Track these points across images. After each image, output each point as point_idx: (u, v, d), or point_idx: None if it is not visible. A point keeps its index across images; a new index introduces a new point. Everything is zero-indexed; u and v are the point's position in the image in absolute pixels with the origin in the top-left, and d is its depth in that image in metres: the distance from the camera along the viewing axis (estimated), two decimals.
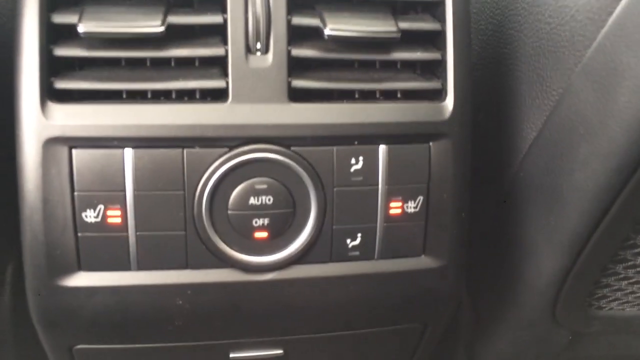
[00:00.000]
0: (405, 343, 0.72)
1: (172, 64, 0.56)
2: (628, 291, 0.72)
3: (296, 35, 0.56)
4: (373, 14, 0.58)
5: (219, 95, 0.55)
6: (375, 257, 0.61)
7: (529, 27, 0.63)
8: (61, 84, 0.54)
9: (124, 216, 0.55)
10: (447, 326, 0.73)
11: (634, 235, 0.63)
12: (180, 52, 0.55)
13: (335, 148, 0.57)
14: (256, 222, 0.57)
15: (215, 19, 0.55)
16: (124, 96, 0.55)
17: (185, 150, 0.55)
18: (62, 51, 0.54)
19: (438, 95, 0.60)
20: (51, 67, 0.54)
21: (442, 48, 0.59)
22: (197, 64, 0.57)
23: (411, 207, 0.60)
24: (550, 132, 0.61)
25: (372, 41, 0.57)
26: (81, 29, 0.51)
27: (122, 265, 0.57)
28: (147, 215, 0.55)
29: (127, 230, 0.56)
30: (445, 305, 0.69)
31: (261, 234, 0.58)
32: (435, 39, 0.61)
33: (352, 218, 0.59)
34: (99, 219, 0.55)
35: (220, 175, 0.55)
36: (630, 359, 0.89)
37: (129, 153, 0.54)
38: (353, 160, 0.58)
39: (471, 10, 0.65)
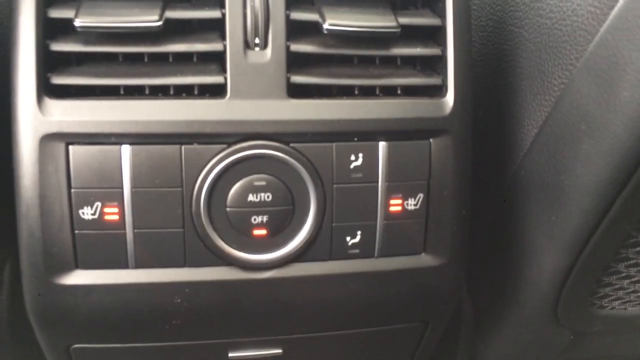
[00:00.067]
0: (405, 342, 0.72)
1: (170, 59, 0.56)
2: (630, 290, 0.71)
3: (295, 30, 0.56)
4: (372, 9, 0.58)
5: (217, 91, 0.55)
6: (375, 255, 0.61)
7: (529, 23, 0.63)
8: (58, 80, 0.53)
9: (122, 213, 0.55)
10: (448, 325, 0.72)
11: (636, 233, 0.63)
12: (178, 47, 0.54)
13: (334, 144, 0.57)
14: (255, 220, 0.57)
15: (213, 13, 0.54)
16: (122, 92, 0.55)
17: (183, 147, 0.54)
18: (58, 46, 0.53)
19: (438, 91, 0.60)
20: (48, 63, 0.53)
21: (442, 43, 0.59)
22: (195, 59, 0.56)
23: (411, 204, 0.60)
24: (551, 128, 0.61)
25: (371, 36, 0.57)
26: (78, 23, 0.51)
27: (119, 263, 0.57)
28: (145, 212, 0.55)
29: (124, 228, 0.55)
30: (446, 304, 0.68)
31: (260, 232, 0.57)
32: (435, 35, 0.60)
33: (352, 215, 0.59)
34: (96, 216, 0.55)
35: (218, 172, 0.55)
36: (632, 359, 0.88)
37: (126, 149, 0.54)
38: (353, 157, 0.57)
39: (471, 5, 0.64)
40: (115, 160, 0.54)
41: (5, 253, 0.70)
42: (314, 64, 0.58)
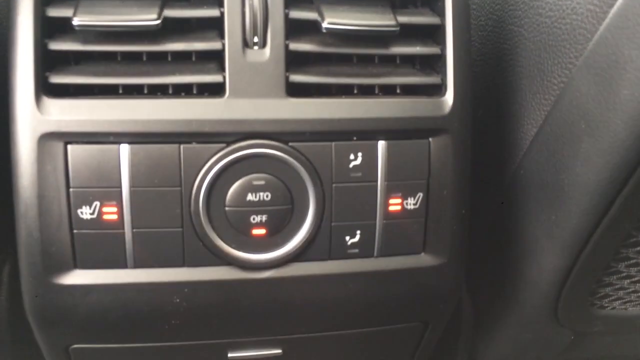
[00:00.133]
0: (405, 342, 0.72)
1: (169, 58, 0.56)
2: (630, 290, 0.71)
3: (294, 29, 0.56)
4: (372, 7, 0.58)
5: (216, 90, 0.55)
6: (375, 254, 0.61)
7: (529, 22, 0.63)
8: (56, 79, 0.53)
9: (120, 213, 0.55)
10: (448, 325, 0.72)
11: (636, 232, 0.63)
12: (177, 46, 0.54)
13: (333, 144, 0.57)
14: (254, 219, 0.57)
15: (212, 12, 0.54)
16: (120, 91, 0.55)
17: (182, 146, 0.54)
18: (57, 45, 0.53)
19: (437, 90, 0.60)
20: (46, 62, 0.53)
21: (442, 42, 0.59)
22: (193, 58, 0.56)
23: (411, 203, 0.59)
24: (551, 127, 0.60)
25: (370, 35, 0.57)
26: (76, 22, 0.51)
27: (118, 262, 0.56)
28: (144, 211, 0.55)
29: (123, 227, 0.55)
30: (446, 303, 0.68)
31: (259, 231, 0.57)
32: (434, 34, 0.60)
33: (351, 215, 0.59)
34: (94, 216, 0.55)
35: (217, 171, 0.55)
36: (633, 359, 0.88)
37: (125, 149, 0.53)
38: (352, 156, 0.57)
39: (471, 5, 0.64)
40: (114, 160, 0.54)
41: (5, 253, 0.69)
42: (313, 62, 0.58)
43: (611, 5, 0.51)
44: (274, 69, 0.55)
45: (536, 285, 0.68)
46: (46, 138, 0.53)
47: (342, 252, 0.60)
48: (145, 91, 0.55)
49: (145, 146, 0.54)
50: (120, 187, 0.54)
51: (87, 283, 0.57)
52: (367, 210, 0.59)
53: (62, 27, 0.54)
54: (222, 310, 0.61)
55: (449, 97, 0.59)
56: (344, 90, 0.58)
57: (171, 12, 0.53)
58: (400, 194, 0.59)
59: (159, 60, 0.56)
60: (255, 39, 0.54)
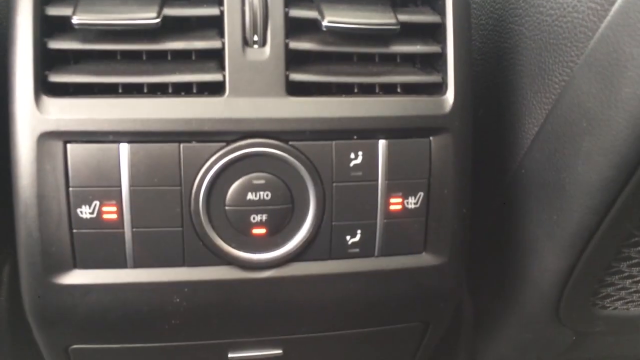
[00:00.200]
0: (406, 342, 0.71)
1: (169, 57, 0.56)
2: (632, 290, 0.71)
3: (294, 27, 0.56)
4: (372, 6, 0.57)
5: (216, 89, 0.55)
6: (375, 254, 0.61)
7: (530, 20, 0.63)
8: (56, 78, 0.53)
9: (120, 212, 0.55)
10: (449, 325, 0.72)
11: (638, 232, 0.63)
12: (177, 45, 0.54)
13: (334, 143, 0.56)
14: (254, 218, 0.56)
15: (211, 11, 0.54)
16: (120, 90, 0.54)
17: (181, 145, 0.54)
18: (56, 44, 0.53)
19: (438, 89, 0.59)
20: (45, 61, 0.53)
21: (442, 41, 0.59)
22: (193, 57, 0.56)
23: (411, 203, 0.59)
24: (552, 126, 0.60)
25: (371, 33, 0.56)
26: (75, 20, 0.51)
27: (117, 262, 0.56)
28: (143, 211, 0.55)
29: (122, 227, 0.55)
30: (446, 303, 0.68)
31: (259, 231, 0.57)
32: (435, 32, 0.60)
33: (352, 214, 0.59)
34: (94, 215, 0.54)
35: (217, 170, 0.55)
36: None
37: (124, 148, 0.53)
38: (352, 155, 0.57)
39: (471, 3, 0.64)
40: (114, 159, 0.53)
41: (5, 253, 0.69)
42: (313, 61, 0.58)
43: (612, 3, 0.51)
44: (274, 67, 0.54)
45: (537, 285, 0.68)
46: (45, 137, 0.53)
47: (343, 252, 0.60)
48: (145, 90, 0.54)
49: (145, 145, 0.53)
50: (119, 186, 0.54)
51: (86, 283, 0.56)
52: (368, 209, 0.59)
53: (62, 26, 0.54)
54: (222, 310, 0.60)
55: (449, 96, 0.58)
56: (344, 89, 0.57)
57: (171, 11, 0.53)
58: (400, 193, 0.59)
59: (159, 59, 0.56)
60: (255, 38, 0.54)
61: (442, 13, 0.59)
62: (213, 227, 0.56)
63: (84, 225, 0.55)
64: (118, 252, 0.56)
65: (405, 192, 0.59)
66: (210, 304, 0.59)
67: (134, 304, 0.58)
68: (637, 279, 0.69)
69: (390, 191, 0.58)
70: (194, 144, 0.54)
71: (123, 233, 0.55)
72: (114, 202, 0.54)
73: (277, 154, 0.55)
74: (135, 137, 0.53)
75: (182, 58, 0.56)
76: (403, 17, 0.57)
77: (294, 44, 0.55)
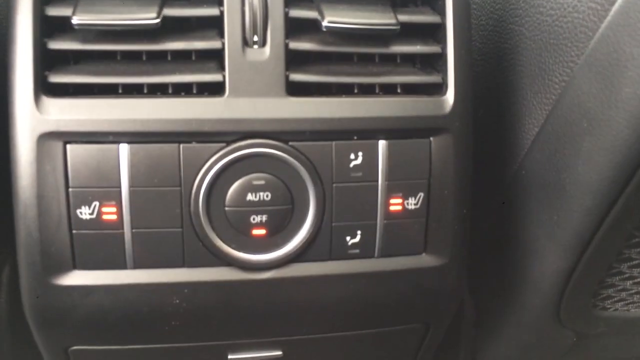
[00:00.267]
0: (407, 343, 0.71)
1: (169, 57, 0.56)
2: (633, 291, 0.71)
3: (294, 28, 0.56)
4: (372, 6, 0.57)
5: (216, 90, 0.55)
6: (376, 255, 0.60)
7: (530, 21, 0.62)
8: (55, 78, 0.53)
9: (120, 213, 0.54)
10: (449, 327, 0.72)
11: (639, 233, 0.63)
12: (177, 45, 0.54)
13: (334, 143, 0.56)
14: (254, 219, 0.56)
15: (211, 11, 0.54)
16: (120, 90, 0.54)
17: (181, 146, 0.54)
18: (56, 44, 0.53)
19: (438, 89, 0.59)
20: (45, 61, 0.53)
21: (442, 41, 0.59)
22: (193, 57, 0.56)
23: (412, 203, 0.59)
24: (552, 126, 0.60)
25: (371, 33, 0.56)
26: (75, 21, 0.51)
27: (117, 263, 0.56)
28: (143, 211, 0.55)
29: (122, 227, 0.55)
30: (447, 305, 0.68)
31: (259, 231, 0.57)
32: (435, 32, 0.60)
33: (352, 215, 0.58)
34: (94, 216, 0.54)
35: (217, 171, 0.55)
36: None
37: (124, 148, 0.53)
38: (352, 156, 0.57)
39: (471, 4, 0.64)
40: (113, 159, 0.53)
41: (4, 254, 0.69)
42: (313, 61, 0.58)
43: (613, 3, 0.51)
44: (274, 68, 0.54)
45: (538, 286, 0.68)
46: (45, 138, 0.52)
47: (343, 253, 0.60)
48: (145, 90, 0.54)
49: (144, 146, 0.53)
50: (119, 187, 0.54)
51: (86, 284, 0.56)
52: (368, 210, 0.59)
53: (62, 26, 0.54)
54: (222, 311, 0.60)
55: (449, 96, 0.58)
56: (344, 90, 0.57)
57: (171, 11, 0.53)
58: (401, 194, 0.59)
59: (159, 60, 0.56)
60: (255, 38, 0.54)
61: (442, 13, 0.59)
62: (213, 228, 0.56)
63: (84, 226, 0.55)
64: (118, 253, 0.56)
65: (405, 193, 0.59)
66: (210, 305, 0.59)
67: (134, 305, 0.58)
68: (638, 280, 0.69)
69: (390, 192, 0.58)
70: (193, 144, 0.54)
71: (123, 234, 0.55)
72: (113, 202, 0.54)
73: (277, 154, 0.55)
74: (135, 137, 0.53)
75: (182, 58, 0.56)
76: (403, 17, 0.57)
77: (294, 44, 0.55)
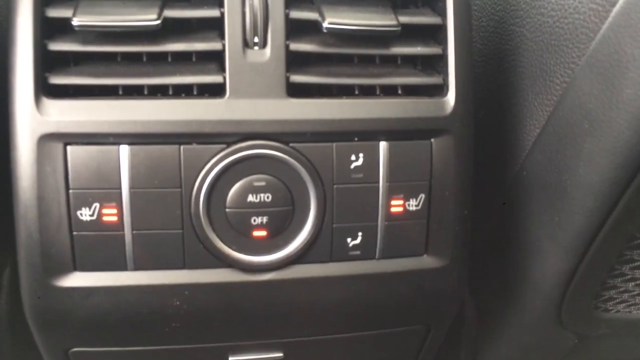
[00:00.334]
0: (408, 345, 0.71)
1: (169, 59, 0.56)
2: (635, 293, 0.71)
3: (294, 29, 0.55)
4: (372, 7, 0.57)
5: (216, 91, 0.55)
6: (377, 256, 0.60)
7: (531, 22, 0.62)
8: (56, 80, 0.53)
9: (120, 214, 0.54)
10: (450, 328, 0.72)
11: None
12: (177, 47, 0.54)
13: (334, 144, 0.56)
14: (254, 221, 0.56)
15: (212, 12, 0.54)
16: (120, 92, 0.54)
17: (182, 147, 0.54)
18: (56, 46, 0.53)
19: (439, 90, 0.59)
20: (46, 63, 0.53)
21: (443, 42, 0.59)
22: (194, 59, 0.56)
23: (413, 205, 0.59)
24: (554, 127, 0.60)
25: (371, 35, 0.56)
26: (76, 22, 0.51)
27: (118, 265, 0.56)
28: (144, 213, 0.55)
29: (123, 229, 0.55)
30: (448, 306, 0.68)
31: (260, 233, 0.57)
32: (435, 34, 0.60)
33: (353, 216, 0.58)
34: (94, 217, 0.54)
35: (217, 172, 0.54)
36: None
37: (124, 150, 0.53)
38: (353, 157, 0.57)
39: (472, 5, 0.64)
40: (114, 161, 0.53)
41: (5, 257, 0.69)
42: (313, 63, 0.58)
43: (614, 4, 0.51)
44: (275, 69, 0.54)
45: (539, 287, 0.68)
46: (46, 139, 0.52)
47: (344, 254, 0.60)
48: (146, 92, 0.54)
49: (145, 147, 0.53)
50: (120, 188, 0.54)
51: (86, 285, 0.56)
52: (369, 211, 0.58)
53: (62, 28, 0.54)
54: (222, 313, 0.60)
55: (450, 98, 0.58)
56: (344, 91, 0.57)
57: (171, 13, 0.53)
58: (402, 195, 0.59)
59: (159, 61, 0.55)
60: (256, 39, 0.54)
61: (443, 14, 0.58)
62: (213, 230, 0.56)
63: (84, 227, 0.54)
64: (118, 255, 0.56)
65: (406, 194, 0.59)
66: (210, 307, 0.59)
67: (134, 306, 0.58)
68: None
69: (391, 193, 0.58)
70: (194, 145, 0.54)
71: (123, 235, 0.55)
72: (114, 204, 0.54)
73: (277, 155, 0.55)
74: (135, 139, 0.53)
75: (183, 60, 0.56)
76: (404, 19, 0.57)
77: (295, 46, 0.55)
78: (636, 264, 0.66)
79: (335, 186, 0.57)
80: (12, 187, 0.54)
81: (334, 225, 0.58)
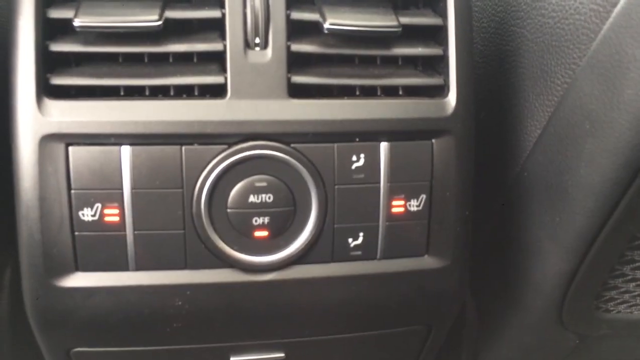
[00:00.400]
0: (408, 345, 0.71)
1: (170, 59, 0.56)
2: (636, 293, 0.71)
3: (296, 30, 0.56)
4: (373, 8, 0.57)
5: (217, 92, 0.55)
6: (378, 257, 0.60)
7: (531, 23, 0.62)
8: (57, 80, 0.53)
9: (122, 215, 0.54)
10: (451, 329, 0.72)
11: None
12: (178, 47, 0.54)
13: (336, 145, 0.56)
14: (256, 221, 0.56)
15: (213, 13, 0.54)
16: (122, 92, 0.54)
17: (183, 147, 0.54)
18: (58, 47, 0.53)
19: (440, 91, 0.59)
20: (47, 63, 0.53)
21: (444, 43, 0.59)
22: (195, 59, 0.56)
23: (414, 205, 0.59)
24: (555, 128, 0.60)
25: (372, 36, 0.56)
26: (77, 23, 0.51)
27: (119, 265, 0.56)
28: (145, 213, 0.55)
29: (124, 229, 0.55)
30: (449, 307, 0.68)
31: (261, 233, 0.57)
32: (436, 34, 0.60)
33: (354, 217, 0.58)
34: (96, 218, 0.54)
35: (219, 173, 0.55)
36: None
37: (126, 150, 0.53)
38: (354, 158, 0.57)
39: (473, 6, 0.64)
40: (115, 161, 0.53)
41: (6, 257, 0.69)
42: (314, 64, 0.58)
43: (615, 5, 0.51)
44: (276, 70, 0.54)
45: (540, 288, 0.68)
46: (47, 140, 0.52)
47: (345, 255, 0.60)
48: (147, 93, 0.54)
49: (146, 148, 0.53)
50: (121, 188, 0.54)
51: (88, 286, 0.56)
52: (370, 212, 0.59)
53: (64, 29, 0.54)
54: (224, 313, 0.60)
55: (451, 98, 0.58)
56: (345, 92, 0.57)
57: (172, 13, 0.53)
58: (403, 196, 0.59)
59: (161, 62, 0.55)
60: (257, 40, 0.54)
61: (444, 15, 0.59)
62: (215, 230, 0.56)
63: (86, 227, 0.55)
64: (120, 255, 0.56)
65: (407, 195, 0.59)
66: (212, 307, 0.59)
67: (136, 306, 0.58)
68: None
69: (392, 193, 0.58)
70: (195, 146, 0.54)
71: (125, 236, 0.55)
72: (115, 204, 0.54)
73: (279, 156, 0.55)
74: (137, 139, 0.53)
75: (184, 60, 0.56)
76: (404, 20, 0.57)
77: (296, 47, 0.55)
78: (637, 264, 0.66)
79: (336, 187, 0.57)
80: (13, 187, 0.54)
81: (335, 226, 0.58)
